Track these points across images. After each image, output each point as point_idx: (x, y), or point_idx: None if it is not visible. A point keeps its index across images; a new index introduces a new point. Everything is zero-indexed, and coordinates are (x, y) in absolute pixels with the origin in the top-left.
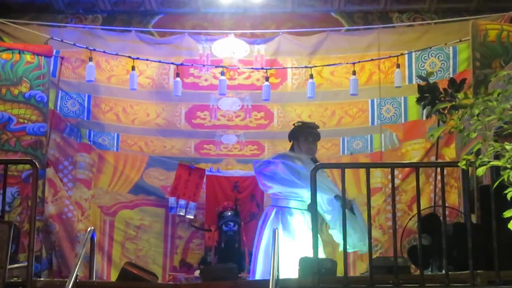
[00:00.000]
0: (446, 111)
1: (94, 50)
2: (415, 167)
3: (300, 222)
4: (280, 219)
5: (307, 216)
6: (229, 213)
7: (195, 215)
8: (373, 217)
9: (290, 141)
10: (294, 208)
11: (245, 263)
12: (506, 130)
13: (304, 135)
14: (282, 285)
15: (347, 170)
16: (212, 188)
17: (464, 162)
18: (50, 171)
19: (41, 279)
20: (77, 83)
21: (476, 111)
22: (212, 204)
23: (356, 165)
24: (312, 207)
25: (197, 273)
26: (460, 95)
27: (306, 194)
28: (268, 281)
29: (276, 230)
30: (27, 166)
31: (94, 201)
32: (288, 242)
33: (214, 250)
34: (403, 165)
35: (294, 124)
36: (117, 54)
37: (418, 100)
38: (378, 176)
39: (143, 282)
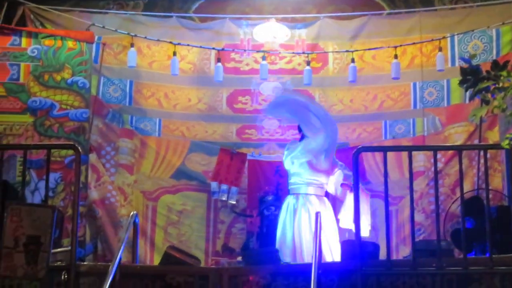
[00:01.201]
0: (489, 93)
1: (136, 36)
2: (457, 149)
3: (321, 207)
4: (299, 206)
5: (326, 201)
6: (270, 198)
7: (237, 200)
8: (416, 201)
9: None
10: (313, 195)
11: None
12: None
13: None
14: (325, 268)
15: (389, 154)
16: (254, 173)
17: (507, 141)
18: (92, 157)
19: (85, 263)
20: (119, 69)
21: None
22: (254, 189)
23: (398, 148)
24: (355, 191)
25: (239, 257)
26: (503, 73)
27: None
28: (310, 264)
29: (319, 213)
30: (70, 152)
31: (137, 186)
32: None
33: (256, 235)
34: (446, 148)
35: None
36: (158, 40)
37: (461, 83)
38: (421, 160)
39: (186, 266)
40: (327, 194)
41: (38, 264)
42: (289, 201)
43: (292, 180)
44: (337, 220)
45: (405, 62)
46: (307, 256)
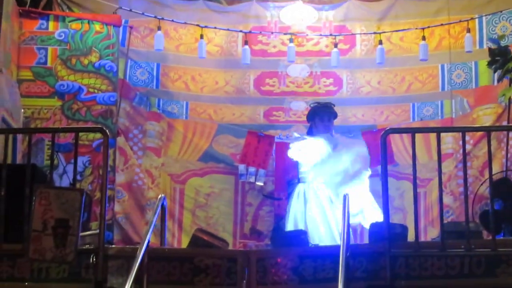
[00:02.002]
0: None
1: (163, 19)
2: (486, 131)
3: (325, 195)
4: (308, 193)
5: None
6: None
7: (264, 182)
8: (444, 183)
9: (308, 122)
10: (323, 183)
11: None
12: None
13: (319, 115)
14: (353, 250)
15: (417, 136)
16: (281, 155)
17: None
18: (120, 140)
19: (113, 246)
20: (146, 52)
21: None
22: (281, 171)
23: (426, 130)
24: (383, 174)
25: (267, 240)
26: None
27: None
28: (338, 246)
29: (347, 195)
30: (98, 135)
31: (164, 169)
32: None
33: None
34: (474, 129)
35: (310, 105)
36: (185, 23)
37: (489, 64)
38: (449, 142)
39: (214, 248)
40: None
41: (66, 247)
42: (299, 189)
43: (303, 169)
44: None
45: (433, 44)
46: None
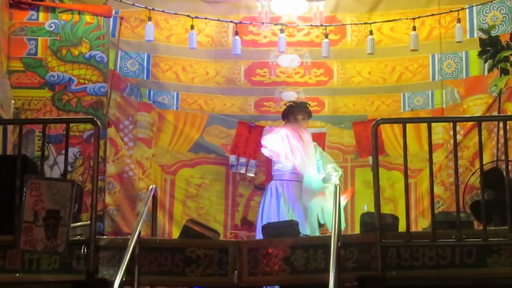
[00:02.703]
0: (509, 63)
1: (153, 9)
2: (477, 121)
3: (298, 192)
4: (281, 191)
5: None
6: None
7: (255, 173)
8: (435, 173)
9: (283, 121)
10: (295, 181)
11: None
12: None
13: (293, 114)
14: (344, 241)
15: (408, 127)
16: None
17: None
18: (111, 131)
19: (104, 237)
20: (137, 42)
21: None
22: (272, 162)
23: (417, 120)
24: (375, 164)
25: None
26: None
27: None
28: (329, 237)
29: (338, 185)
30: (89, 126)
31: (155, 160)
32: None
33: None
34: (465, 119)
35: (285, 104)
36: (176, 13)
37: (480, 54)
38: (440, 132)
39: (205, 239)
40: None
41: (58, 238)
42: (272, 186)
43: (276, 167)
44: None
45: (423, 34)
46: None
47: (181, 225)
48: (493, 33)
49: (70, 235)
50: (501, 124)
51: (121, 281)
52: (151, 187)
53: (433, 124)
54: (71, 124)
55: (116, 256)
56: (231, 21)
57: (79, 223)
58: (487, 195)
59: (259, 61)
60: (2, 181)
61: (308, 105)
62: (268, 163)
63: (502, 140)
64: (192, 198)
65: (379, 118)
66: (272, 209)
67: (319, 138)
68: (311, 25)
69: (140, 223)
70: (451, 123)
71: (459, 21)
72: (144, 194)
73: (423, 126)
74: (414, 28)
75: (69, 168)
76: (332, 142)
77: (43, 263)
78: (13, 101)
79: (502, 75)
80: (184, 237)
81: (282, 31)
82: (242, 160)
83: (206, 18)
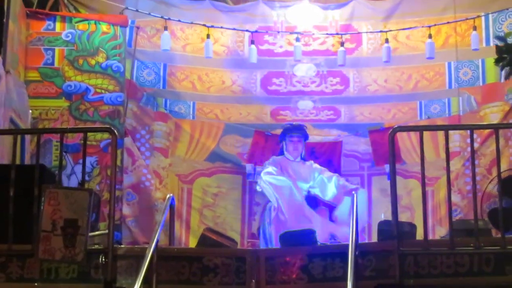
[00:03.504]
0: None
1: (169, 19)
2: (494, 128)
3: None
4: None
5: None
6: None
7: None
8: (452, 181)
9: (280, 143)
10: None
11: None
12: None
13: (289, 135)
14: (361, 249)
15: (424, 135)
16: None
17: None
18: (128, 140)
19: (122, 246)
20: (153, 52)
21: None
22: None
23: (434, 128)
24: (391, 172)
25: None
26: None
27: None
28: (347, 245)
29: (355, 194)
30: (106, 136)
31: (172, 169)
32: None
33: None
34: (482, 127)
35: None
36: (192, 23)
37: (496, 61)
38: (457, 140)
39: (223, 248)
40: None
41: (76, 247)
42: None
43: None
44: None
45: (439, 42)
46: None
47: (198, 234)
48: (510, 40)
49: (88, 244)
50: None
51: None
52: (168, 196)
53: (450, 132)
54: (88, 134)
55: (134, 265)
56: (247, 30)
57: (97, 232)
58: (505, 202)
59: (275, 70)
60: (20, 190)
61: (305, 128)
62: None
63: None
64: (208, 207)
65: (396, 126)
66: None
67: (335, 147)
68: (327, 34)
69: (157, 232)
70: (468, 131)
71: (475, 28)
72: (161, 204)
73: (440, 134)
74: (430, 36)
75: (86, 178)
76: (348, 150)
77: (61, 272)
78: (30, 111)
79: None
80: (202, 246)
81: (298, 40)
82: (259, 169)
83: (222, 28)
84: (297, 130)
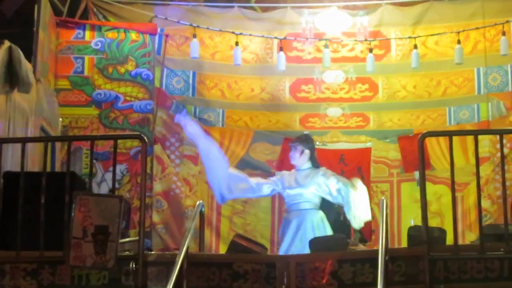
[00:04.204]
0: None
1: (198, 26)
2: None
3: (317, 219)
4: (297, 222)
5: (321, 213)
6: None
7: None
8: (482, 187)
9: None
10: (307, 209)
11: (350, 236)
12: None
13: (292, 147)
14: (391, 254)
15: (454, 140)
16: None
17: None
18: (157, 148)
19: (152, 252)
20: (182, 60)
21: None
22: None
23: (463, 132)
24: (421, 177)
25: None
26: None
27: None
28: (376, 251)
29: (384, 199)
30: (135, 143)
31: (201, 177)
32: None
33: None
34: None
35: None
36: (220, 30)
37: None
38: (486, 146)
39: (253, 254)
40: None
41: (106, 254)
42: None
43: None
44: None
45: (468, 48)
46: None
47: (228, 241)
48: None
49: (119, 251)
50: None
51: None
52: (198, 202)
53: (479, 138)
54: (118, 141)
55: (164, 271)
56: (275, 37)
57: (127, 239)
58: None
59: (303, 77)
60: (51, 198)
61: (311, 140)
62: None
63: None
64: (238, 214)
65: (425, 131)
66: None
67: (364, 153)
68: (355, 40)
69: (187, 238)
70: (498, 136)
71: (504, 34)
72: (191, 212)
73: (469, 139)
74: (458, 42)
75: (117, 185)
76: (377, 156)
77: (92, 279)
78: (60, 119)
79: None
80: (232, 252)
81: (326, 46)
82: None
83: (250, 35)
84: (301, 141)
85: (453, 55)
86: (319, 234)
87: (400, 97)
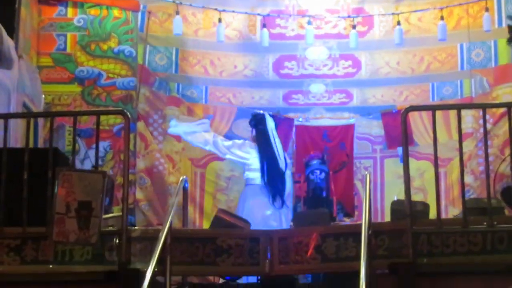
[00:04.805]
0: None
1: (181, 3)
2: (507, 107)
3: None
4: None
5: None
6: (315, 162)
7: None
8: (465, 162)
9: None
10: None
11: (333, 212)
12: None
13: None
14: (374, 229)
15: (437, 115)
16: (302, 138)
17: None
18: (140, 125)
19: (136, 228)
20: (165, 37)
21: None
22: (301, 154)
23: (446, 106)
24: (405, 151)
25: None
26: None
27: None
28: (360, 225)
29: (368, 174)
30: (118, 120)
31: (185, 153)
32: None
33: (303, 200)
34: (495, 105)
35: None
36: (203, 7)
37: (509, 41)
38: (469, 122)
39: (237, 229)
40: None
41: (90, 229)
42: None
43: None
44: None
45: (451, 24)
46: None
47: (211, 218)
48: None
49: (102, 226)
50: None
51: (153, 271)
52: (182, 178)
53: (462, 114)
54: (101, 118)
55: (147, 247)
56: (258, 14)
57: (110, 215)
58: None
59: (287, 54)
60: (34, 174)
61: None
62: (298, 154)
63: None
64: (222, 191)
65: (409, 106)
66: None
67: (347, 130)
68: (339, 17)
69: (171, 213)
70: (481, 111)
71: (487, 10)
72: (174, 188)
73: (452, 115)
74: (442, 18)
75: (100, 162)
76: (361, 133)
77: (75, 254)
78: (43, 96)
79: None
80: (216, 227)
81: (309, 23)
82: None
83: (233, 12)
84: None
85: (436, 31)
86: None
87: (383, 73)
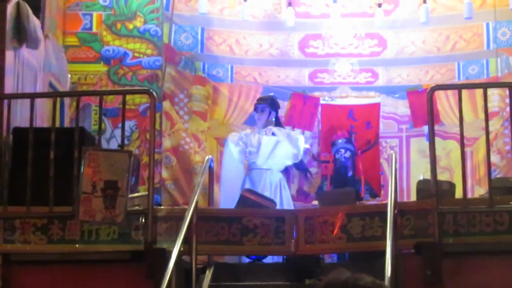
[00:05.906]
0: None
1: None
2: None
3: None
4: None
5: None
6: (340, 141)
7: (311, 144)
8: (491, 141)
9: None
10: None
11: (361, 191)
12: None
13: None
14: (400, 208)
15: (463, 95)
16: (327, 117)
17: None
18: (166, 104)
19: (162, 207)
20: (190, 16)
21: None
22: (327, 133)
23: (472, 86)
24: (431, 131)
25: (314, 202)
26: None
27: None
28: (386, 204)
29: (393, 153)
30: (144, 100)
31: (210, 132)
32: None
33: (330, 179)
34: None
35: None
36: None
37: None
38: (495, 100)
39: (263, 208)
40: None
41: (116, 208)
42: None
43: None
44: None
45: (477, 2)
46: None
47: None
48: None
49: (128, 206)
50: None
51: (179, 250)
52: (207, 157)
53: (488, 93)
54: (127, 97)
55: (174, 226)
56: None
57: (136, 194)
58: None
59: (312, 33)
60: (60, 153)
61: (262, 100)
62: (323, 134)
63: None
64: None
65: (435, 85)
66: None
67: (373, 109)
68: None
69: (197, 193)
70: (507, 90)
71: None
72: (200, 168)
73: (478, 94)
74: None
75: (126, 141)
76: (386, 112)
77: (102, 234)
78: (69, 76)
79: None
80: (241, 207)
81: (335, 1)
82: (297, 131)
83: None
84: (259, 101)
85: (462, 9)
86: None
87: (409, 52)
